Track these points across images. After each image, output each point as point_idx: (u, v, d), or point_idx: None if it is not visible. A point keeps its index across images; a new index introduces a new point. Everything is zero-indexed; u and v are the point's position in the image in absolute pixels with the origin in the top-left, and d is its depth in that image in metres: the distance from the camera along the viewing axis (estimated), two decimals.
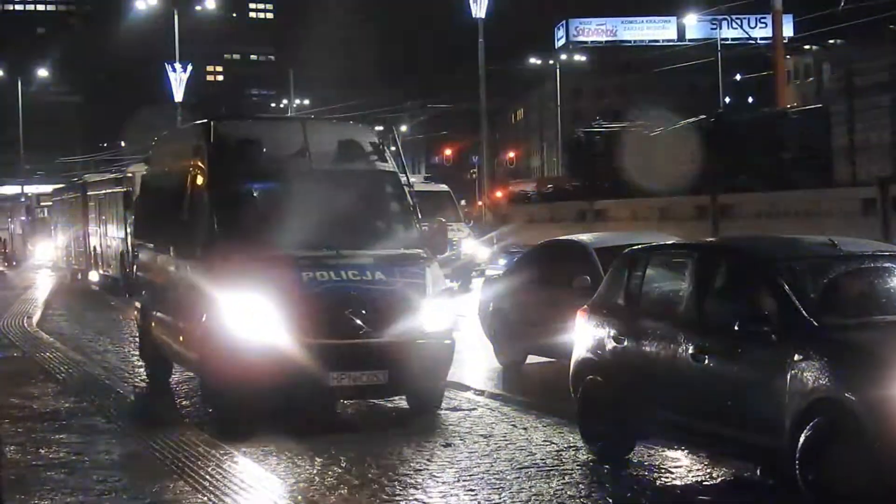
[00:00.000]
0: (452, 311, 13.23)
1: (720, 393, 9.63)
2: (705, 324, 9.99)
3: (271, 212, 12.92)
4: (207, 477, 9.89)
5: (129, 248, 31.68)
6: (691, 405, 9.93)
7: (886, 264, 10.46)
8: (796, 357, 8.85)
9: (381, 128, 16.22)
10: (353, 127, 14.32)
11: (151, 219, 16.54)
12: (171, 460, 10.87)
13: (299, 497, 9.04)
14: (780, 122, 33.11)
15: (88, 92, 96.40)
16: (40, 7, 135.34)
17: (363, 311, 11.86)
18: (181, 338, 13.68)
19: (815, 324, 9.03)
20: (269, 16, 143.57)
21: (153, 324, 15.43)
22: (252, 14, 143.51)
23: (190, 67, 62.33)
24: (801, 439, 8.57)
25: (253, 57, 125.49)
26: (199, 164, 13.47)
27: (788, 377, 8.83)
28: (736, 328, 9.30)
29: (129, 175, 35.57)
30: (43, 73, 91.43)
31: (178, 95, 60.63)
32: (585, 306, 11.86)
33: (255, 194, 13.33)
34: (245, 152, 12.99)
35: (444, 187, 35.68)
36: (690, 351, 9.83)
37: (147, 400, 14.67)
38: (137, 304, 16.98)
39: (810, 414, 8.60)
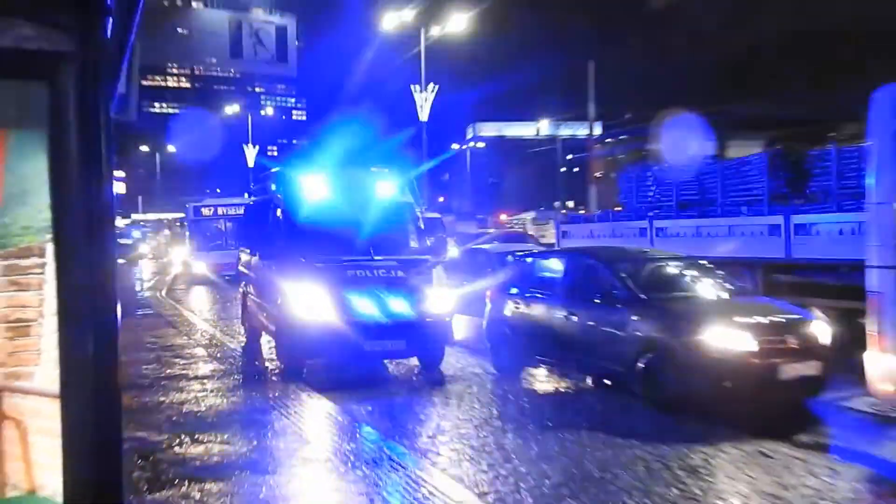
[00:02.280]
0: (452, 299, 11.38)
1: (584, 338, 9.64)
2: (573, 297, 10.08)
3: (326, 228, 11.03)
4: (274, 395, 9.52)
5: (189, 254, 30.30)
6: (564, 345, 9.96)
7: (677, 262, 10.82)
8: (633, 317, 9.00)
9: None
10: (384, 173, 12.23)
11: (249, 233, 14.55)
12: (247, 379, 10.66)
13: (341, 409, 8.46)
14: None
15: (198, 160, 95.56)
16: (168, 110, 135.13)
17: (389, 298, 10.37)
18: (265, 314, 11.95)
19: (645, 297, 9.16)
20: (304, 117, 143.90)
21: (249, 303, 13.65)
22: (294, 116, 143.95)
23: (257, 147, 62.39)
24: (639, 366, 8.68)
25: (294, 141, 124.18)
26: (278, 195, 11.75)
27: (630, 328, 8.93)
28: (596, 300, 9.56)
29: (187, 207, 32.77)
30: (171, 148, 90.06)
31: (251, 163, 60.51)
32: (491, 289, 12.05)
33: (315, 216, 11.14)
34: (308, 188, 11.40)
35: (437, 215, 32.19)
36: (564, 314, 10.03)
37: (235, 345, 14.06)
38: (241, 290, 14.77)
39: (645, 351, 8.68)
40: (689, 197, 16.25)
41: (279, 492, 5.77)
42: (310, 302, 10.21)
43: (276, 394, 9.51)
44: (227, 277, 26.04)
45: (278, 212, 11.48)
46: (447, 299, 11.05)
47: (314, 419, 8.40)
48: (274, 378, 10.77)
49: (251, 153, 59.89)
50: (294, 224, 11.11)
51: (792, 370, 8.16)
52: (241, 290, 14.85)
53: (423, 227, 12.13)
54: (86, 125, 2.58)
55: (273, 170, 13.22)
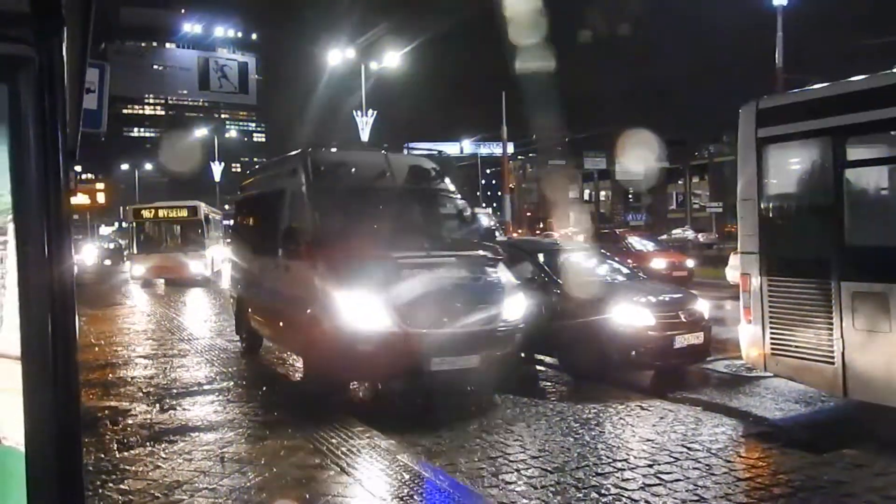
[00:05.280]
0: (523, 301, 7.82)
1: None
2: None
3: (366, 220, 8.02)
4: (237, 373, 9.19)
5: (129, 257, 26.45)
6: None
7: (581, 252, 10.72)
8: (553, 298, 8.84)
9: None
10: (420, 158, 9.28)
11: (249, 230, 10.74)
12: (208, 356, 10.10)
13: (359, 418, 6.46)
14: None
15: (172, 178, 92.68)
16: (145, 134, 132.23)
17: (458, 304, 7.15)
18: (281, 323, 8.54)
19: (560, 282, 9.04)
20: (263, 139, 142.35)
21: (249, 310, 10.04)
22: (255, 138, 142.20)
23: (223, 164, 61.00)
24: (560, 341, 8.60)
25: (255, 159, 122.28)
26: (305, 181, 8.16)
27: (551, 308, 8.75)
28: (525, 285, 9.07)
29: (126, 210, 29.28)
30: (148, 166, 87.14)
31: (217, 178, 59.08)
32: None
33: (352, 205, 8.04)
34: (342, 172, 8.21)
35: (489, 210, 25.26)
36: None
37: (205, 333, 13.61)
38: (233, 295, 11.27)
39: (562, 328, 8.57)
40: None
41: (233, 448, 5.62)
42: (359, 309, 6.94)
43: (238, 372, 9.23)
44: (167, 281, 24.12)
45: (305, 200, 8.06)
46: (520, 303, 7.76)
47: (259, 381, 8.18)
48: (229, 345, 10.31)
49: (217, 169, 58.67)
50: (328, 215, 7.87)
51: (684, 340, 8.27)
52: (233, 294, 11.37)
53: (472, 219, 9.03)
54: (42, 122, 2.50)
55: (295, 151, 9.43)
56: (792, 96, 6.92)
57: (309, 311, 7.38)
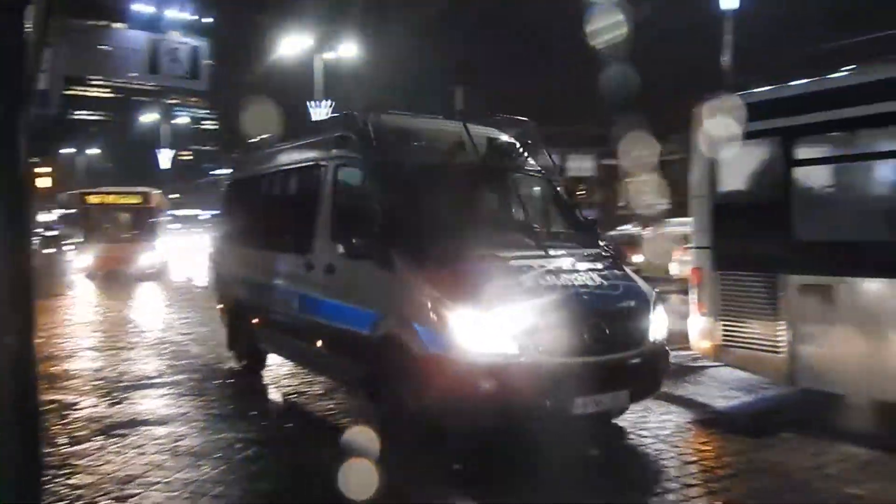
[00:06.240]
0: (665, 315, 5.82)
1: None
2: None
3: (455, 207, 5.86)
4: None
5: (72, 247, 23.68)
6: None
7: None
8: None
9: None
10: (498, 130, 6.87)
11: (257, 217, 8.07)
12: (157, 349, 9.94)
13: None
14: None
15: (118, 163, 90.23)
16: (92, 118, 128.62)
17: (599, 321, 5.13)
18: (319, 342, 6.23)
19: None
20: (215, 126, 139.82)
21: (254, 320, 7.67)
22: (205, 126, 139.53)
23: (173, 152, 59.48)
24: None
25: (206, 147, 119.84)
26: (355, 155, 6.22)
27: None
28: None
29: (70, 195, 26.03)
30: (94, 151, 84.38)
31: (166, 165, 57.34)
32: None
33: (428, 186, 5.91)
34: (405, 143, 6.21)
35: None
36: None
37: (152, 325, 13.31)
38: (225, 302, 8.75)
39: None
40: None
41: (187, 441, 5.56)
42: (471, 329, 4.84)
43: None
44: (111, 274, 21.63)
45: (370, 179, 6.06)
46: (664, 316, 5.80)
47: (212, 377, 8.07)
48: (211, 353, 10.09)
49: (165, 156, 57.09)
50: (405, 199, 5.77)
51: None
52: (223, 299, 8.90)
53: (572, 206, 7.08)
54: (3, 103, 2.49)
55: (337, 115, 6.86)
56: (742, 98, 7.15)
57: (382, 328, 5.37)
